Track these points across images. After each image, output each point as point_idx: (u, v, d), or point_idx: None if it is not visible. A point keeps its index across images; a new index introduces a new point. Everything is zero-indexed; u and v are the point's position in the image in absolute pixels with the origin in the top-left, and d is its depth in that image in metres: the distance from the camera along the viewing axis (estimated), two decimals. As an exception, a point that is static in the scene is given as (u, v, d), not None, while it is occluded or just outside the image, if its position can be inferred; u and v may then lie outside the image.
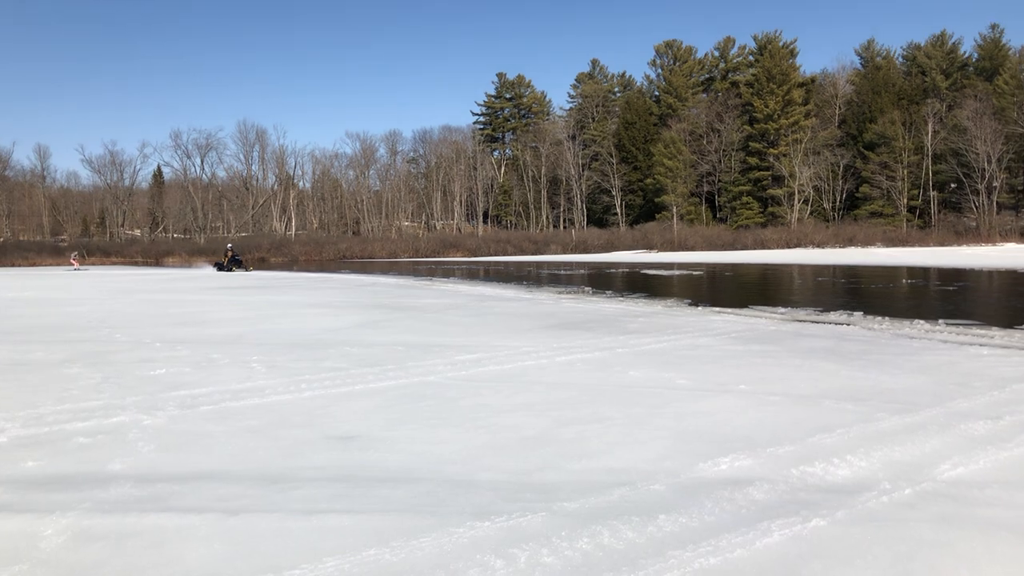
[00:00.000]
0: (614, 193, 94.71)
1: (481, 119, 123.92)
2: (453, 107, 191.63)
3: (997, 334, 11.39)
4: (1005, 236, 64.07)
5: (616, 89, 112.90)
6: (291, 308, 17.03)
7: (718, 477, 4.61)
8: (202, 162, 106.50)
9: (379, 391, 7.40)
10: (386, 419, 6.26)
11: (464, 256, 79.99)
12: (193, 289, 25.21)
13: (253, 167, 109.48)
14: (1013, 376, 7.70)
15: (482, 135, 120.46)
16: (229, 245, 52.22)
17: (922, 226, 73.45)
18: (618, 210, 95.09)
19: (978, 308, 17.34)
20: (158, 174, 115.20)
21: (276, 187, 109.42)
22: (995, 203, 68.85)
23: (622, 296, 21.00)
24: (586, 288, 24.90)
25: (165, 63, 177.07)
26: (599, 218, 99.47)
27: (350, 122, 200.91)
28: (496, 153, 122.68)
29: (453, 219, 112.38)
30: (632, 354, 9.61)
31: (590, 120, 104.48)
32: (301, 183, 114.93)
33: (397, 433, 5.80)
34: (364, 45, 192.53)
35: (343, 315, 15.27)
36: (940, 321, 13.06)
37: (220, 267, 45.96)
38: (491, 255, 79.49)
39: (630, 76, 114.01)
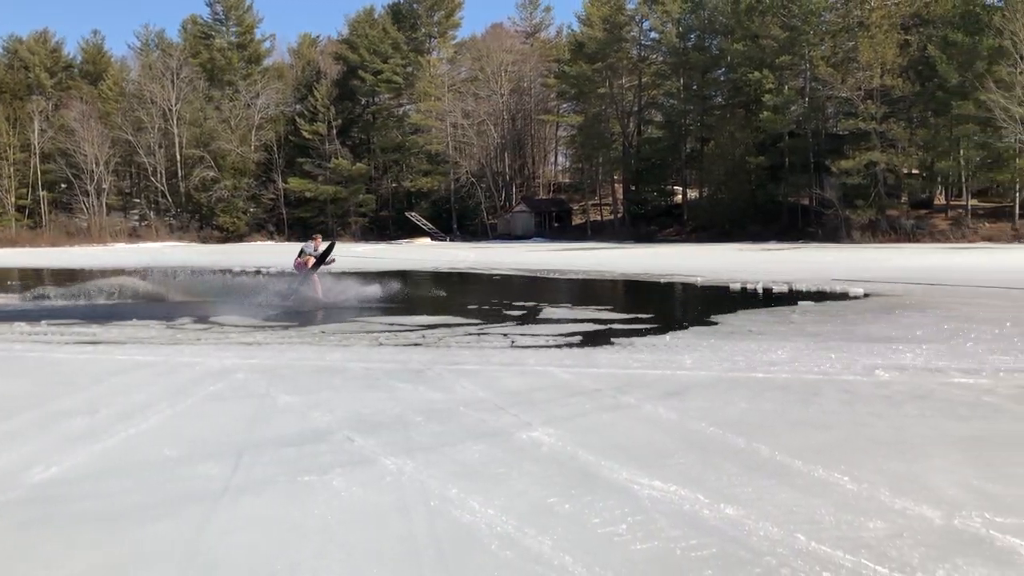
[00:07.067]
0: None
1: None
2: None
3: (98, 330, 11.59)
4: (115, 237, 67.33)
5: None
6: None
7: None
8: None
9: None
10: None
11: None
12: None
13: None
14: (112, 370, 8.07)
15: None
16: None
17: (33, 226, 71.69)
18: None
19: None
20: None
21: None
22: (105, 205, 71.54)
23: None
24: None
25: None
26: None
27: None
28: None
29: None
30: None
31: None
32: None
33: None
34: None
35: None
36: (43, 322, 12.79)
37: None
38: None
39: None
